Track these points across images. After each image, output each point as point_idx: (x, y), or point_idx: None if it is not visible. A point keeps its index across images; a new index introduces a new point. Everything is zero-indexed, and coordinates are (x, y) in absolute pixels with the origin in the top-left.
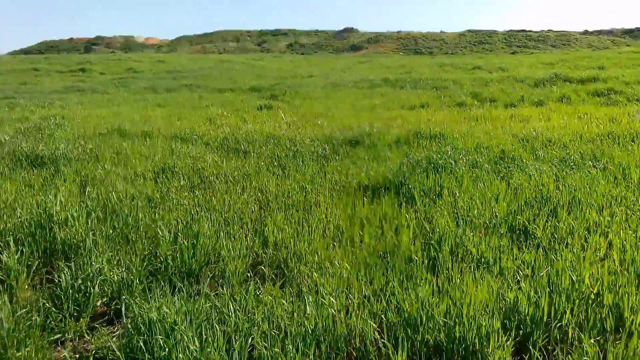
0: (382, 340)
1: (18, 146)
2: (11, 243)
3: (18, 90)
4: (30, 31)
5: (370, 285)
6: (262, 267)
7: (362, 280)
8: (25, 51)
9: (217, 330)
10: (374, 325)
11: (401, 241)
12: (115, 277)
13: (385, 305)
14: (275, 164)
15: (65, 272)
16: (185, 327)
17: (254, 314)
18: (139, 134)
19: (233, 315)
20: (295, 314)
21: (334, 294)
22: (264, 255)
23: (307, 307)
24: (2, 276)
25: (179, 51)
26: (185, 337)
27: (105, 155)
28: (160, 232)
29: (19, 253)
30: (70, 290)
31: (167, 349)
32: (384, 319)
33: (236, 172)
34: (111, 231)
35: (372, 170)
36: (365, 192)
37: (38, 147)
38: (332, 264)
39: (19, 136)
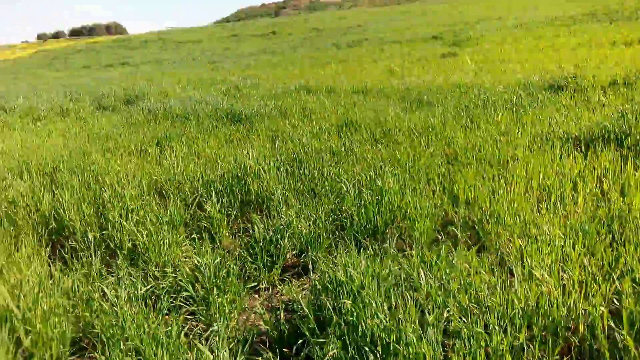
0: (620, 332)
1: (220, 105)
2: (213, 194)
3: (222, 55)
4: (229, 1)
5: (593, 257)
6: (454, 229)
7: (580, 252)
8: (227, 19)
9: (407, 297)
10: (604, 311)
11: (632, 205)
12: (304, 230)
13: (617, 286)
14: (462, 115)
15: (258, 223)
16: (372, 291)
17: (448, 283)
18: (323, 90)
19: (424, 281)
20: (498, 287)
21: (544, 267)
22: (454, 215)
23: (515, 281)
24: (207, 224)
25: (359, 6)
26: (374, 303)
27: (293, 111)
28: (344, 187)
29: (219, 204)
30: (263, 242)
31: (354, 314)
32: (618, 304)
33: (420, 125)
34: (299, 185)
35: (583, 119)
36: (576, 144)
37: (236, 106)
38: (540, 229)
39: (221, 95)
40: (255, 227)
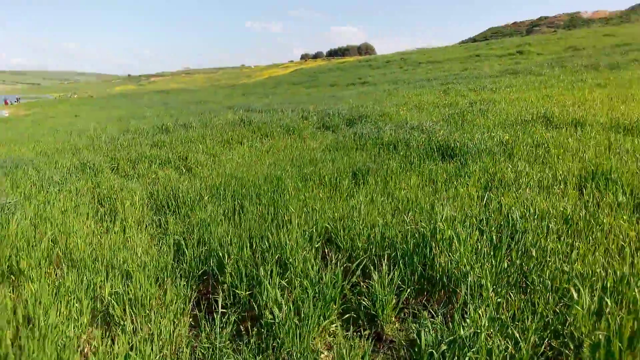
0: None
1: (436, 134)
2: (385, 260)
3: (458, 76)
4: (477, 20)
5: None
6: None
7: None
8: (474, 39)
9: None
10: None
11: None
12: (498, 350)
13: None
14: None
15: (428, 326)
16: None
17: None
18: (568, 122)
19: None
20: None
21: None
22: None
23: None
24: (368, 302)
25: (633, 21)
26: None
27: (521, 150)
28: (573, 290)
29: (389, 275)
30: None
31: None
32: None
33: None
34: (505, 265)
35: None
36: None
37: (452, 137)
38: None
39: (442, 122)
40: (424, 334)
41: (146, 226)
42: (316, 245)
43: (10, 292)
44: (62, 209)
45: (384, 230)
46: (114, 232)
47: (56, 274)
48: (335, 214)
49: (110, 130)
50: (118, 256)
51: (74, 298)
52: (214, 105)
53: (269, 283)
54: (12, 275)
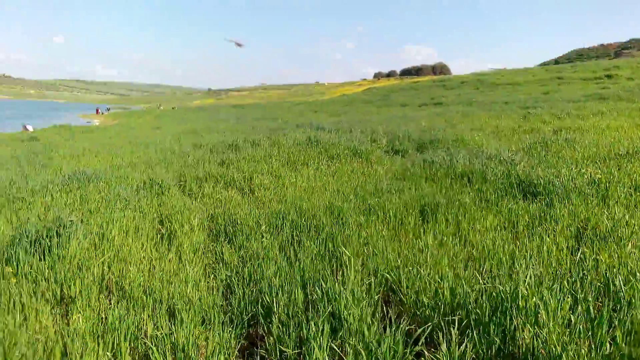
0: None
1: (516, 166)
2: (453, 332)
3: (538, 100)
4: (561, 41)
5: None
6: None
7: None
8: (556, 61)
9: None
10: None
11: None
12: None
13: None
14: None
15: None
16: None
17: None
18: None
19: None
20: None
21: None
22: None
23: None
24: None
25: None
26: None
27: (618, 192)
28: None
29: (460, 348)
30: None
31: None
32: None
33: None
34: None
35: None
36: None
37: (534, 171)
38: None
39: (522, 152)
40: None
41: (201, 254)
42: (375, 297)
43: (58, 321)
44: (124, 229)
45: (455, 285)
46: (168, 260)
47: (108, 300)
48: (399, 260)
49: (183, 144)
50: (168, 289)
51: (114, 338)
52: (284, 122)
53: (318, 344)
54: (63, 301)
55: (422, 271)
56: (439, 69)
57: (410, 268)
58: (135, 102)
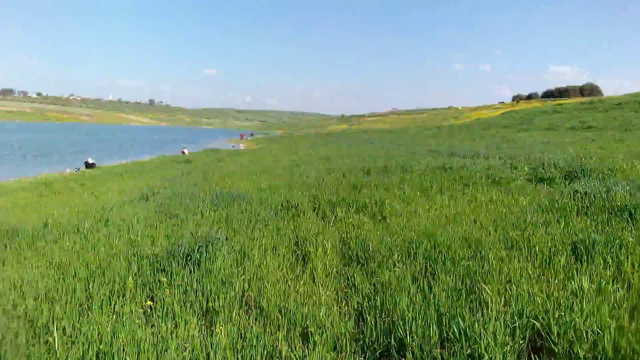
0: None
1: None
2: None
3: None
4: None
5: None
6: None
7: None
8: None
9: None
10: None
11: None
12: None
13: None
14: None
15: None
16: None
17: None
18: None
19: None
20: None
21: None
22: None
23: None
24: None
25: None
26: None
27: None
28: None
29: None
30: None
31: None
32: None
33: None
34: None
35: None
36: None
37: None
38: None
39: None
40: None
41: (334, 278)
42: (520, 342)
43: (203, 332)
44: (263, 248)
45: (618, 339)
46: (303, 282)
47: (247, 316)
48: (548, 303)
49: (317, 168)
50: (302, 310)
51: (252, 355)
52: (417, 147)
53: None
54: (207, 313)
55: (576, 318)
56: (589, 91)
57: (562, 313)
58: (275, 128)
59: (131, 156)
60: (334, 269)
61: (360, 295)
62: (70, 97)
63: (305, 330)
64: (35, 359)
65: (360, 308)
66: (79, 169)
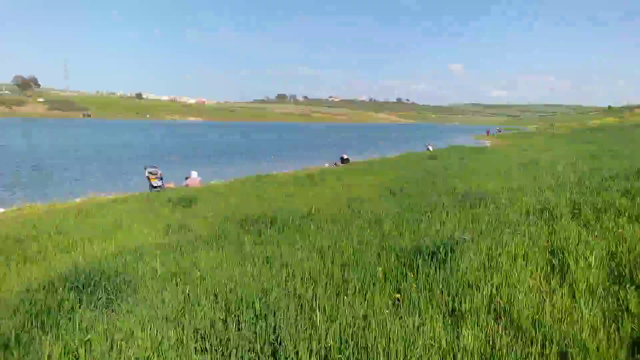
0: None
1: None
2: None
3: None
4: None
5: None
6: None
7: None
8: None
9: None
10: None
11: None
12: None
13: None
14: None
15: None
16: None
17: None
18: None
19: None
20: None
21: None
22: None
23: None
24: None
25: None
26: None
27: None
28: None
29: None
30: None
31: None
32: None
33: None
34: None
35: None
36: None
37: None
38: None
39: None
40: None
41: (599, 297)
42: None
43: (449, 332)
44: (513, 254)
45: None
46: (560, 296)
47: (497, 324)
48: None
49: (579, 169)
50: (559, 327)
51: None
52: None
53: None
54: (453, 314)
55: None
56: None
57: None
58: (526, 123)
59: (377, 153)
60: (600, 286)
61: (637, 323)
62: (330, 99)
63: (564, 351)
64: (302, 330)
65: (636, 338)
66: (335, 164)
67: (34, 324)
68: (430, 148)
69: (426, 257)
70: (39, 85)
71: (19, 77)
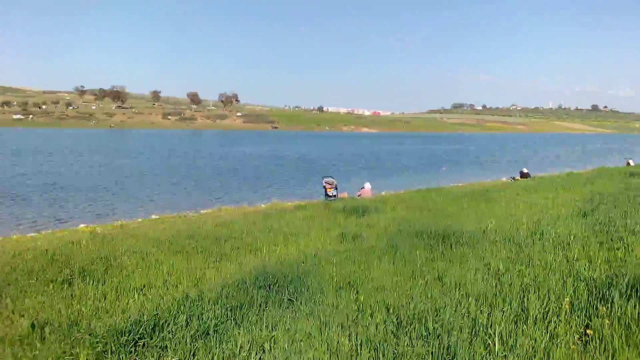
0: None
1: None
2: None
3: None
4: None
5: None
6: None
7: None
8: None
9: None
10: None
11: None
12: None
13: None
14: None
15: None
16: None
17: None
18: None
19: None
20: None
21: None
22: None
23: None
24: None
25: None
26: None
27: None
28: None
29: None
30: None
31: None
32: None
33: None
34: None
35: None
36: None
37: None
38: None
39: None
40: None
41: None
42: None
43: None
44: None
45: None
46: None
47: None
48: None
49: None
50: None
51: None
52: None
53: None
54: None
55: None
56: None
57: None
58: None
59: (564, 167)
60: None
61: None
62: (511, 107)
63: None
64: (478, 353)
65: None
66: (514, 178)
67: (229, 316)
68: (631, 162)
69: (623, 291)
70: (238, 101)
71: (223, 94)
